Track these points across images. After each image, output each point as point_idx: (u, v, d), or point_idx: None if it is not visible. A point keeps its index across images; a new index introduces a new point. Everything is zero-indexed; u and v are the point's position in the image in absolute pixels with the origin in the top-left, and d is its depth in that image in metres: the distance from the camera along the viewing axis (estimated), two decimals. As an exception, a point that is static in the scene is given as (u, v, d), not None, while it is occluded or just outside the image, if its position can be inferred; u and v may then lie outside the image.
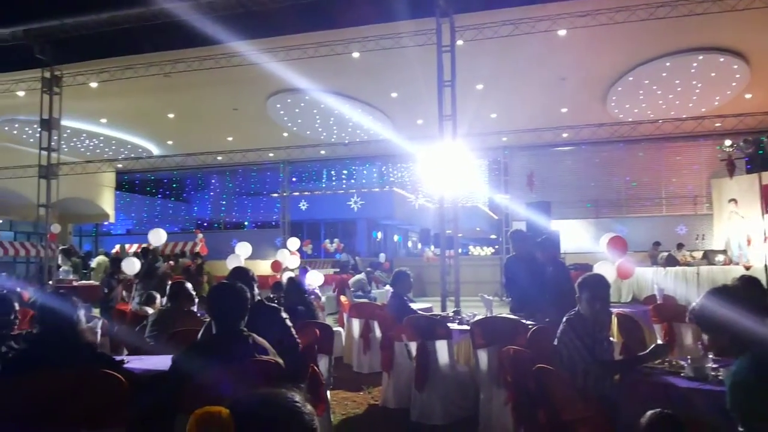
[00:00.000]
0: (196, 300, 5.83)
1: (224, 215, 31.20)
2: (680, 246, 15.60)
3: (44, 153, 13.68)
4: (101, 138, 18.27)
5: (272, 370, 2.98)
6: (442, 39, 10.42)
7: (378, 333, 7.36)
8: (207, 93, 14.33)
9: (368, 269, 15.47)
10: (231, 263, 10.92)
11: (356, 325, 7.90)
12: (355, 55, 11.90)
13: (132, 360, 3.83)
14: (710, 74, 13.18)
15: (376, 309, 7.78)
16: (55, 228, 15.58)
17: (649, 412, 1.97)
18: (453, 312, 6.95)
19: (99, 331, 6.10)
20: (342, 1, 11.79)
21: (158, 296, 7.01)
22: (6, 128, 17.08)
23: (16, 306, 4.01)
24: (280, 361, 3.08)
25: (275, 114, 15.93)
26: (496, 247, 25.65)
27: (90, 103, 14.96)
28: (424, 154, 10.71)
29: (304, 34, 11.84)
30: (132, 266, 9.75)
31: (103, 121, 16.91)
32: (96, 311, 8.94)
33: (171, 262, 16.38)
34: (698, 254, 14.56)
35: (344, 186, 29.49)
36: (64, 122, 14.63)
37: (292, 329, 4.03)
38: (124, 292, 10.34)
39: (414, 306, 6.59)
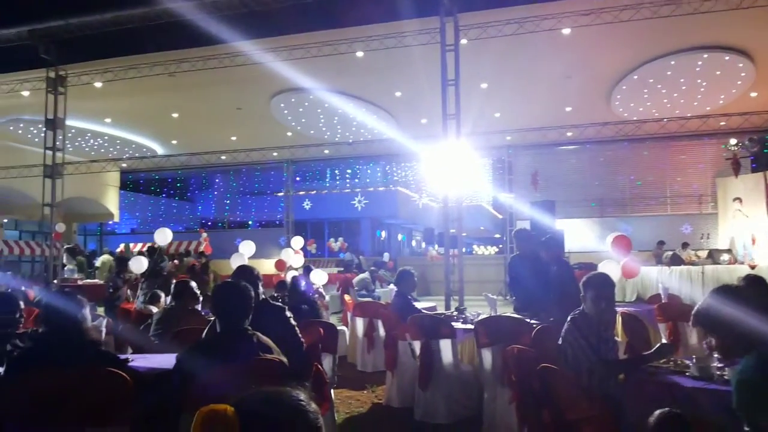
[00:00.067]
0: (201, 298, 5.84)
1: (228, 214, 31.25)
2: (685, 245, 15.56)
3: (49, 152, 13.74)
4: (106, 137, 18.33)
5: (276, 368, 2.98)
6: (446, 38, 10.41)
7: (382, 332, 7.35)
8: (211, 92, 14.36)
9: (372, 268, 15.48)
10: (235, 262, 10.91)
11: (360, 324, 7.89)
12: (359, 54, 11.90)
13: (136, 358, 3.83)
14: (715, 73, 13.14)
15: (380, 308, 7.78)
16: (60, 227, 15.63)
17: (657, 412, 1.97)
18: (457, 311, 6.95)
19: (103, 329, 6.12)
20: (345, 0, 11.79)
21: (162, 295, 7.02)
22: (11, 128, 17.15)
23: (21, 304, 4.02)
24: (285, 359, 3.08)
25: (279, 113, 15.95)
26: (500, 246, 25.65)
27: (94, 103, 15.01)
28: (428, 153, 10.70)
29: (307, 34, 11.85)
30: (140, 265, 9.77)
31: (108, 120, 16.96)
32: (101, 310, 8.97)
33: (175, 261, 16.43)
34: (703, 253, 14.50)
35: (348, 185, 29.49)
36: (69, 122, 14.69)
37: (296, 328, 4.03)
38: (128, 291, 10.36)
39: (418, 305, 6.59)
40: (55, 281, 13.85)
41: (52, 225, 14.10)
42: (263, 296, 4.23)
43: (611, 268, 7.27)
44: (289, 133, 17.84)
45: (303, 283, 7.49)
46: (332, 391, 4.92)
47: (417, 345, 5.41)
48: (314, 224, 27.00)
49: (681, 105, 15.14)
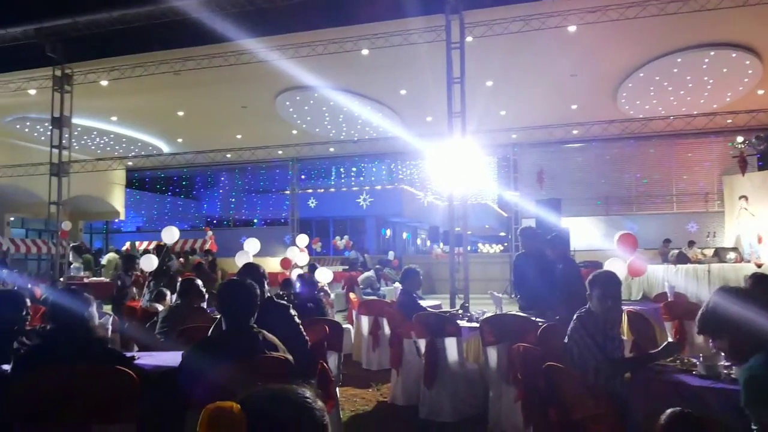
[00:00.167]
0: (206, 296, 5.85)
1: (233, 212, 31.33)
2: (691, 243, 15.50)
3: (55, 151, 13.78)
4: (112, 136, 18.38)
5: (282, 366, 2.99)
6: (451, 36, 10.39)
7: (387, 330, 7.35)
8: (216, 91, 14.37)
9: (377, 266, 15.47)
10: (240, 260, 10.94)
11: (365, 322, 7.90)
12: (365, 52, 11.89)
13: (142, 356, 3.84)
14: (722, 70, 13.07)
15: (385, 306, 7.78)
16: (66, 225, 15.69)
17: (669, 411, 1.96)
18: (462, 309, 6.94)
19: (109, 327, 6.15)
20: (351, -2, 11.79)
21: (168, 293, 7.05)
22: (18, 126, 17.21)
23: (28, 302, 4.04)
24: (290, 357, 3.09)
25: (284, 111, 15.95)
26: (505, 244, 25.58)
27: (100, 101, 15.05)
28: (434, 152, 10.70)
29: (313, 32, 11.84)
30: (150, 263, 9.79)
31: (114, 119, 17.00)
32: (107, 308, 9.00)
33: (181, 259, 16.48)
34: (709, 252, 14.44)
35: (353, 183, 29.51)
36: (75, 120, 14.72)
37: (301, 326, 4.03)
38: (134, 289, 10.39)
39: (423, 303, 6.59)
40: (62, 279, 13.90)
41: (59, 223, 14.14)
42: (268, 294, 4.23)
43: (617, 266, 7.25)
44: (295, 131, 17.85)
45: (298, 285, 7.50)
46: (337, 389, 4.92)
47: (422, 343, 5.41)
48: (319, 222, 27.03)
49: (687, 102, 15.07)
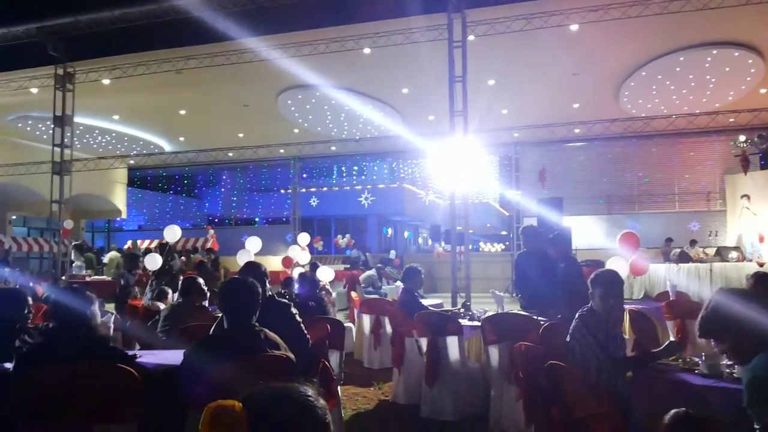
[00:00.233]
0: (208, 295, 5.85)
1: (235, 211, 31.35)
2: (693, 242, 15.47)
3: (57, 149, 13.80)
4: (113, 134, 18.41)
5: (284, 364, 2.99)
6: (453, 34, 10.38)
7: (388, 329, 7.35)
8: (218, 89, 14.38)
9: (379, 265, 15.46)
10: (241, 258, 10.94)
11: (367, 320, 7.90)
12: (366, 50, 11.89)
13: (144, 355, 3.84)
14: (724, 69, 13.05)
15: (386, 305, 7.77)
16: (68, 224, 15.71)
17: (672, 411, 1.95)
18: (463, 308, 6.93)
19: (111, 326, 6.15)
20: (353, -4, 11.78)
21: (170, 291, 7.05)
22: (19, 125, 17.24)
23: (30, 301, 4.05)
24: (292, 356, 3.09)
25: (286, 110, 15.96)
26: (507, 243, 25.57)
27: (102, 100, 15.06)
28: (435, 150, 10.68)
29: (315, 30, 11.84)
30: (155, 262, 9.80)
31: (116, 117, 17.02)
32: (111, 306, 9.01)
33: (183, 258, 16.49)
34: (711, 251, 14.42)
35: (355, 182, 29.52)
36: (77, 119, 14.75)
37: (302, 324, 4.03)
38: (136, 288, 10.40)
39: (424, 302, 6.58)
40: (64, 278, 13.92)
41: (61, 222, 14.16)
42: (270, 293, 4.23)
43: (619, 265, 7.24)
44: (296, 130, 17.86)
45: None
46: (339, 387, 4.92)
47: (424, 342, 5.40)
48: (321, 221, 27.05)
49: (690, 101, 15.05)
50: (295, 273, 10.63)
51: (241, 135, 18.54)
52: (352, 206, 26.41)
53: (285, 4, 11.19)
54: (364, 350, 7.90)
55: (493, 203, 32.43)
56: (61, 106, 13.54)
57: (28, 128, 17.49)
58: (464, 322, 5.72)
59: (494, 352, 4.95)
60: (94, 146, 19.37)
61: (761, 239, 13.87)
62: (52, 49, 12.85)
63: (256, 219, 30.17)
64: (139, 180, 29.61)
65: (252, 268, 4.21)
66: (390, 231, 28.63)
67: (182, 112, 16.44)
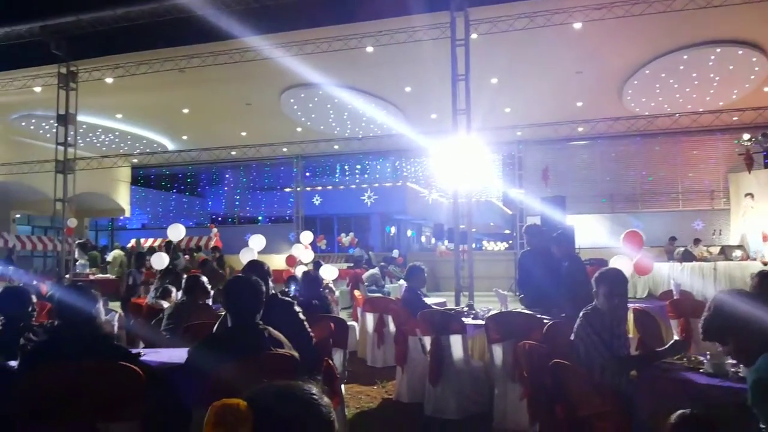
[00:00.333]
0: (211, 293, 5.86)
1: (238, 210, 31.38)
2: (697, 241, 15.42)
3: (61, 148, 13.84)
4: (117, 133, 18.44)
5: (288, 363, 2.98)
6: (456, 33, 10.36)
7: (392, 327, 7.34)
8: (221, 88, 14.39)
9: (382, 264, 15.46)
10: (244, 257, 10.95)
11: (370, 319, 7.89)
12: (369, 49, 11.88)
13: (148, 353, 3.85)
14: (728, 67, 13.02)
15: (390, 303, 7.77)
16: (72, 222, 15.74)
17: (678, 412, 1.94)
18: (467, 306, 6.92)
19: (115, 324, 6.17)
20: (355, -5, 11.79)
21: (174, 290, 7.05)
22: (23, 124, 17.28)
23: (34, 299, 4.06)
24: (296, 354, 3.09)
25: (289, 109, 15.96)
26: (510, 242, 25.57)
27: (106, 99, 15.09)
28: (438, 149, 10.67)
29: (317, 29, 11.85)
30: (161, 261, 9.81)
31: (119, 116, 17.05)
32: (116, 304, 9.02)
33: (186, 256, 16.52)
34: (715, 249, 14.36)
35: (358, 181, 29.52)
36: (80, 117, 14.77)
37: (306, 323, 4.03)
38: (141, 287, 10.43)
39: (428, 300, 6.57)
40: (68, 276, 13.95)
41: (64, 220, 14.21)
42: (273, 291, 4.24)
43: (622, 263, 7.22)
44: (299, 129, 17.86)
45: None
46: (342, 386, 4.92)
47: (427, 340, 5.40)
48: (324, 220, 27.06)
49: (693, 100, 15.01)
50: (299, 271, 10.64)
51: (244, 133, 18.56)
52: (355, 205, 26.42)
53: (288, 2, 11.20)
54: (368, 349, 7.89)
55: (496, 202, 32.39)
56: (64, 104, 13.57)
57: (32, 127, 17.53)
58: (468, 320, 5.71)
59: (498, 351, 4.95)
60: (98, 145, 19.41)
61: (765, 238, 13.82)
62: (55, 47, 12.88)
63: (259, 217, 30.20)
64: (142, 178, 29.66)
65: (255, 266, 4.22)
66: (393, 230, 28.63)
67: (185, 110, 16.46)
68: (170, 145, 20.26)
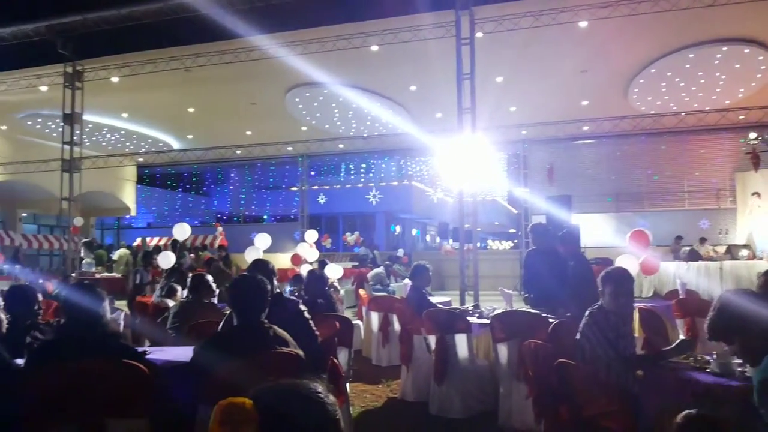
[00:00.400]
0: (216, 292, 5.87)
1: (243, 209, 31.43)
2: (703, 240, 15.38)
3: (67, 147, 13.89)
4: (122, 132, 18.49)
5: (293, 361, 2.99)
6: (461, 31, 10.35)
7: (397, 326, 7.35)
8: (226, 87, 14.42)
9: (387, 263, 15.44)
10: (250, 255, 10.96)
11: (375, 318, 7.90)
12: (374, 48, 11.88)
13: (153, 351, 3.86)
14: (735, 66, 12.95)
15: (395, 302, 7.77)
16: (78, 221, 15.80)
17: (685, 412, 1.94)
18: (472, 306, 6.92)
19: (121, 322, 6.19)
20: (361, -6, 11.79)
21: (179, 288, 7.07)
22: (29, 123, 17.34)
23: (40, 297, 4.07)
24: (301, 353, 3.09)
25: (294, 108, 15.97)
26: (515, 241, 25.52)
27: (111, 98, 15.13)
28: (443, 148, 10.65)
29: (322, 28, 11.85)
30: (168, 260, 9.83)
31: (125, 115, 17.10)
32: (122, 303, 9.05)
33: (192, 255, 16.56)
34: (721, 249, 14.34)
35: (363, 180, 29.53)
36: (86, 117, 14.82)
37: (311, 321, 4.03)
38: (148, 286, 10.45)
39: (433, 299, 6.57)
40: (74, 275, 14.01)
41: (70, 219, 14.25)
42: (278, 290, 4.24)
43: (629, 263, 7.19)
44: (304, 128, 17.87)
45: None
46: (347, 385, 4.92)
47: (432, 339, 5.40)
48: (329, 219, 27.07)
49: (699, 98, 14.95)
50: (304, 270, 10.65)
51: (249, 133, 18.58)
52: (360, 204, 26.42)
53: (293, 1, 11.21)
54: (373, 348, 7.90)
55: (501, 201, 32.33)
56: (70, 104, 13.62)
57: (38, 126, 17.59)
58: (473, 319, 5.70)
59: (503, 350, 4.95)
60: (104, 144, 19.47)
61: (771, 237, 13.79)
62: (61, 47, 12.92)
63: (265, 216, 30.24)
64: (147, 177, 29.74)
65: (260, 265, 4.22)
66: (398, 228, 28.63)
67: (191, 109, 16.49)
68: (176, 144, 20.31)
